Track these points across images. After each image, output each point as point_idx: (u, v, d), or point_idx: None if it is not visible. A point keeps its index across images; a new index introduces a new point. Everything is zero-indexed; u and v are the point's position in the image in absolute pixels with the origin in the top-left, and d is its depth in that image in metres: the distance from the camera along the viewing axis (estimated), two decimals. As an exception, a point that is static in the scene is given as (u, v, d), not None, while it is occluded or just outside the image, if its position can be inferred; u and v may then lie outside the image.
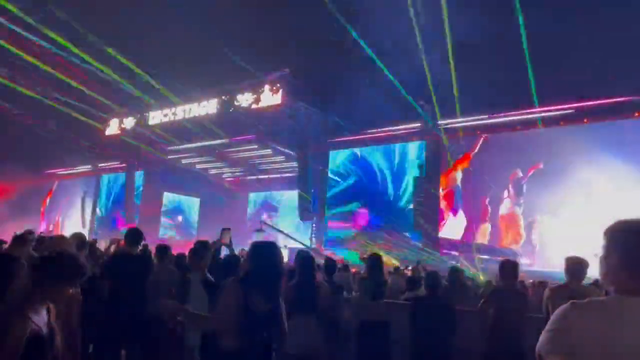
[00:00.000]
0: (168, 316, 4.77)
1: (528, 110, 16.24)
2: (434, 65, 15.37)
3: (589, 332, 1.45)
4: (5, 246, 6.93)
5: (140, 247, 5.87)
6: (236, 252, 5.79)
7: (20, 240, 5.00)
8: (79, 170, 30.55)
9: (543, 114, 16.02)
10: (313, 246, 19.54)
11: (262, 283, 2.95)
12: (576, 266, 4.48)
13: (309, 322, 4.51)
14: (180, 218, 28.54)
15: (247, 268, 3.02)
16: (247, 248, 4.18)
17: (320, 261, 7.80)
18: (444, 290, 5.66)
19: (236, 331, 2.84)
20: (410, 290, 6.72)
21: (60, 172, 31.31)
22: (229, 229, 4.91)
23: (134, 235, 5.66)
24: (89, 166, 29.67)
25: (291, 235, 20.50)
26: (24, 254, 4.35)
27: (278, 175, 25.71)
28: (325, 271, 5.97)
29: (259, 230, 19.60)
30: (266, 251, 3.07)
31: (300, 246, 17.36)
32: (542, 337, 1.57)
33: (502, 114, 17.09)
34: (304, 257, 4.88)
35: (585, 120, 15.88)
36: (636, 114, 15.13)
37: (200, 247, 5.19)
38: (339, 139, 20.85)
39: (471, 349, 5.42)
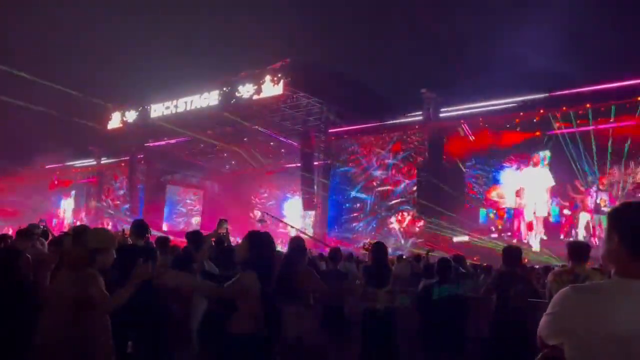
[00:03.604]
0: (172, 292, 4.54)
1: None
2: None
3: (587, 316, 1.44)
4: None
5: (144, 240, 5.89)
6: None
7: (25, 234, 5.02)
8: (82, 165, 30.56)
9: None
10: (312, 235, 19.53)
11: (264, 268, 3.03)
12: (578, 250, 4.46)
13: (299, 312, 4.52)
14: (182, 210, 28.63)
15: (246, 255, 3.06)
16: None
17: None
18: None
19: (255, 315, 2.89)
20: (427, 278, 6.54)
21: (63, 167, 31.29)
22: (225, 220, 4.94)
23: (139, 227, 5.66)
24: (92, 160, 29.67)
25: (292, 225, 20.62)
26: (29, 248, 4.38)
27: (281, 167, 25.63)
28: (330, 260, 5.99)
29: (262, 220, 19.67)
30: (265, 239, 3.16)
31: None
32: (542, 321, 1.58)
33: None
34: (294, 246, 4.92)
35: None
36: None
37: (194, 238, 5.23)
38: (341, 129, 20.80)
39: (476, 334, 5.45)
